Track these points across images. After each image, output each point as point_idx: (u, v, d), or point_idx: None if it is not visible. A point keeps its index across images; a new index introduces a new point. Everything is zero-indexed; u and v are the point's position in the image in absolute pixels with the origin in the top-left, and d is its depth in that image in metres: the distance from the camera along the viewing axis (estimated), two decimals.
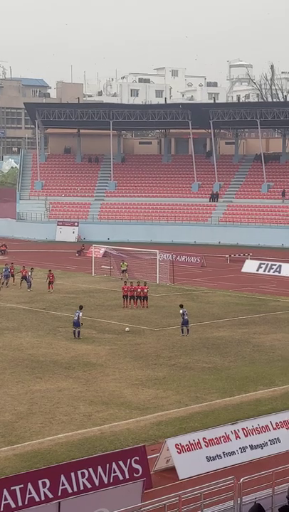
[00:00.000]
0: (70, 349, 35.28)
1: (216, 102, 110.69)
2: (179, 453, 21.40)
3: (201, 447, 21.87)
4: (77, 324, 37.71)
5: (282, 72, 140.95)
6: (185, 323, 38.94)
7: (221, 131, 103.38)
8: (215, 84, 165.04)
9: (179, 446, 21.48)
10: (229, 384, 29.84)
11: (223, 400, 27.78)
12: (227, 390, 29.04)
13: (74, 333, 37.71)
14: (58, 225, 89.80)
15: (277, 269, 62.50)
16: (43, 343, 36.32)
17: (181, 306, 39.95)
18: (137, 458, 20.20)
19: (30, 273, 53.56)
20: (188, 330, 38.90)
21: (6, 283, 53.94)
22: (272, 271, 62.65)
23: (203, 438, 22.00)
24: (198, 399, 27.83)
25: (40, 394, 28.06)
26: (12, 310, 45.01)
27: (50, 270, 54.50)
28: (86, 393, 28.35)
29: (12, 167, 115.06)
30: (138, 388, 29.17)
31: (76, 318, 37.88)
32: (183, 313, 38.98)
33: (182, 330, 38.92)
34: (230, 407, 26.96)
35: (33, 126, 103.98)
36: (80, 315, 37.90)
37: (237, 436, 22.50)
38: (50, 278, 52.51)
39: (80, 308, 38.79)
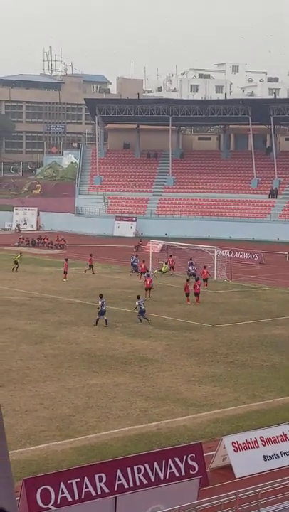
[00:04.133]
0: (127, 344, 35.33)
1: (277, 97, 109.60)
2: (236, 451, 21.21)
3: (258, 446, 21.64)
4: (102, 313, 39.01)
5: None
6: (142, 312, 39.86)
7: (282, 127, 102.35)
8: (276, 80, 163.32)
9: (236, 445, 21.29)
10: (287, 382, 29.50)
11: (281, 398, 27.48)
12: (285, 388, 28.72)
13: (106, 322, 38.93)
14: (116, 220, 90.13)
15: None
16: (99, 338, 36.44)
17: (138, 297, 40.76)
18: (194, 455, 20.10)
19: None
20: (146, 318, 39.84)
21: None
22: None
23: (261, 437, 21.78)
24: (256, 397, 27.59)
25: (96, 388, 28.15)
26: (70, 304, 45.30)
27: (66, 259, 56.51)
28: (142, 388, 28.33)
29: (72, 162, 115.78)
30: (195, 385, 29.04)
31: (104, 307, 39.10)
32: (139, 304, 39.89)
33: (140, 319, 39.86)
34: (288, 406, 26.64)
35: (93, 122, 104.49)
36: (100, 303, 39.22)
37: None
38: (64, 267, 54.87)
39: (101, 296, 39.90)
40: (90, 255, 59.76)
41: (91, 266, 58.47)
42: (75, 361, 31.96)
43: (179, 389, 28.43)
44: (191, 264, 56.49)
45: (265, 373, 30.90)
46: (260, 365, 32.16)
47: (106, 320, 39.23)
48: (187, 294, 46.35)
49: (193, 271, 54.93)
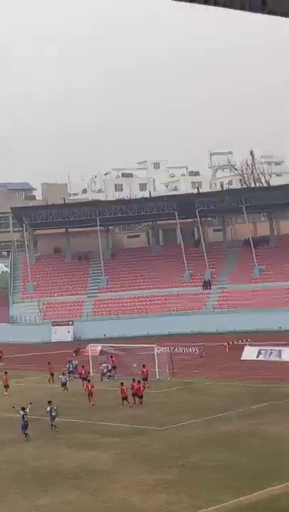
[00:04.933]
0: (74, 457, 34.15)
1: (200, 191, 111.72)
2: None
3: None
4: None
5: (262, 157, 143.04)
6: (52, 419, 39.85)
7: (208, 219, 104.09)
8: (197, 173, 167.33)
9: None
10: (242, 482, 28.73)
11: (238, 499, 26.68)
12: (240, 488, 27.92)
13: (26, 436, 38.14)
14: (52, 325, 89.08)
15: (278, 354, 61.69)
16: (45, 453, 35.19)
17: (49, 403, 40.77)
18: None
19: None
20: (55, 426, 39.79)
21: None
22: (272, 356, 61.83)
23: None
24: (212, 501, 26.69)
25: (46, 509, 26.95)
26: (11, 420, 43.74)
27: (5, 372, 55.38)
28: (94, 504, 27.24)
29: (2, 271, 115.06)
30: (148, 494, 28.04)
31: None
32: (50, 410, 39.96)
33: (52, 425, 39.81)
34: (245, 507, 25.88)
35: (21, 229, 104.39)
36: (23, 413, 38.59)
37: None
38: (4, 381, 53.34)
39: (23, 409, 39.01)
40: (49, 363, 58.83)
41: (52, 374, 57.42)
42: (22, 482, 30.65)
43: (131, 501, 27.41)
44: (105, 365, 57.30)
45: (218, 474, 30.10)
46: (212, 465, 31.34)
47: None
48: (124, 398, 45.41)
49: (105, 370, 56.39)
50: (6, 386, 53.48)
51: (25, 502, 27.99)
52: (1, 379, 54.90)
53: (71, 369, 58.85)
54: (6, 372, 55.54)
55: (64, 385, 52.85)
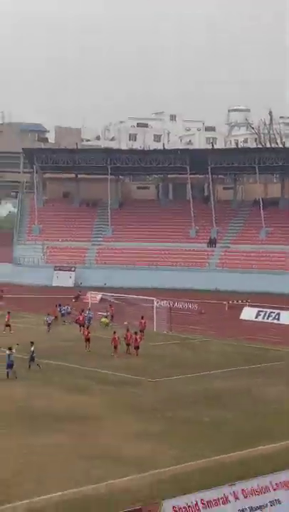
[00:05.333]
0: (66, 400, 34.43)
1: (214, 147, 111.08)
2: None
3: (199, 509, 21.01)
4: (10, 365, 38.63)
5: (281, 117, 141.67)
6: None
7: (219, 176, 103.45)
8: (213, 129, 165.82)
9: (176, 509, 20.64)
10: (229, 439, 28.96)
11: (222, 456, 26.88)
12: (227, 445, 28.13)
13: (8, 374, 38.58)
14: (54, 270, 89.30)
15: (276, 317, 61.93)
16: (37, 394, 35.47)
17: (10, 349, 39.63)
18: None
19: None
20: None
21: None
22: (270, 318, 62.13)
23: (201, 500, 21.12)
24: (197, 455, 26.90)
25: (34, 449, 27.21)
26: (4, 359, 44.02)
27: (8, 312, 55.82)
28: (82, 448, 27.49)
29: (10, 211, 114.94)
30: (134, 443, 28.30)
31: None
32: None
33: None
34: (229, 464, 26.07)
35: (32, 171, 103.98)
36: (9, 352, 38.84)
37: (236, 498, 21.62)
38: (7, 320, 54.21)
39: (10, 349, 39.10)
40: (56, 306, 59.23)
41: (56, 317, 58.15)
42: (11, 420, 30.93)
43: (119, 447, 27.67)
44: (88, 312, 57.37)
45: (206, 429, 30.34)
46: (201, 420, 31.60)
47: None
48: (115, 347, 45.60)
49: (63, 312, 58.39)
50: (8, 325, 53.84)
51: (14, 441, 28.24)
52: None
53: (63, 312, 59.58)
54: (8, 312, 55.90)
55: (48, 325, 53.53)
